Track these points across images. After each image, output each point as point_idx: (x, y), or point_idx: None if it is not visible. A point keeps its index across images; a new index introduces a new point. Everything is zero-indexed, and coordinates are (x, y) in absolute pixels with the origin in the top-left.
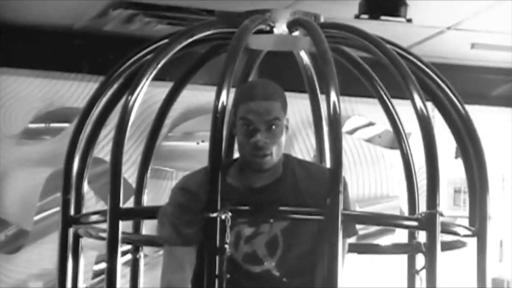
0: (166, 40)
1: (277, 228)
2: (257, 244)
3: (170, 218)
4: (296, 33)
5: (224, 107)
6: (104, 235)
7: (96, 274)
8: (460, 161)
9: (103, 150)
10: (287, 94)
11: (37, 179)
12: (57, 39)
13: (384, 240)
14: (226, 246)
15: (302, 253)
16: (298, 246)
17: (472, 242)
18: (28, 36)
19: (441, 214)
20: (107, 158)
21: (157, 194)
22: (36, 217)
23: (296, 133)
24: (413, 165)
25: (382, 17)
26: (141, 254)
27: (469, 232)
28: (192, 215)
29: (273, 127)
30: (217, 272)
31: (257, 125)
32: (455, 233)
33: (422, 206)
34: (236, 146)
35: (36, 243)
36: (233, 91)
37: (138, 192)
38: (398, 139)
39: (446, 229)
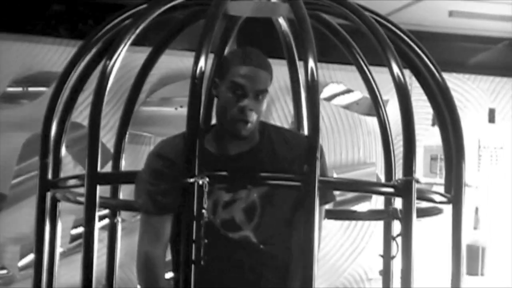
0: (145, 5)
1: (255, 194)
2: (235, 210)
3: (146, 186)
4: (274, 0)
5: (202, 73)
6: (82, 199)
7: (74, 238)
8: (436, 129)
9: (81, 114)
10: None
11: (14, 143)
12: (36, 3)
13: (361, 207)
14: (204, 211)
15: (280, 220)
16: (276, 213)
17: (448, 209)
18: (5, 1)
19: (417, 181)
20: (85, 122)
21: (135, 159)
22: (14, 181)
23: (275, 99)
24: (390, 132)
25: None
26: (119, 218)
27: (444, 199)
28: (168, 182)
29: (260, 97)
30: (194, 238)
31: (247, 90)
32: (431, 200)
33: (398, 173)
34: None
35: (14, 207)
36: (211, 57)
37: (116, 157)
38: (375, 106)
39: (422, 196)
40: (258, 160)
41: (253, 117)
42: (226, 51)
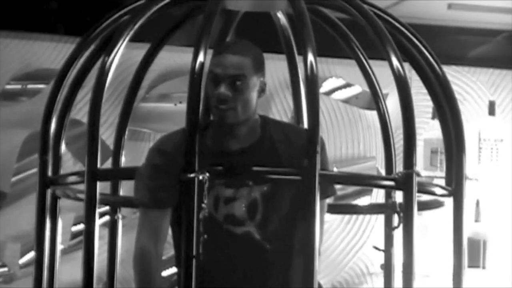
0: (143, 1)
1: (257, 192)
2: (237, 207)
3: (145, 180)
4: None
5: (201, 68)
6: (82, 196)
7: (74, 235)
8: (436, 122)
9: (80, 111)
10: (265, 55)
11: (14, 141)
12: (33, 0)
13: (362, 201)
14: (204, 206)
15: (282, 217)
16: (278, 210)
17: (449, 202)
18: None
19: (418, 174)
20: (85, 119)
21: (135, 156)
22: (14, 179)
23: (274, 94)
24: (390, 126)
25: None
26: (119, 215)
27: (445, 192)
28: (167, 177)
29: (238, 82)
30: (194, 233)
31: (221, 77)
32: (432, 193)
33: (399, 167)
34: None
35: (14, 205)
36: (210, 52)
37: (116, 153)
38: (375, 100)
39: (423, 189)
40: (258, 155)
41: (233, 103)
42: None
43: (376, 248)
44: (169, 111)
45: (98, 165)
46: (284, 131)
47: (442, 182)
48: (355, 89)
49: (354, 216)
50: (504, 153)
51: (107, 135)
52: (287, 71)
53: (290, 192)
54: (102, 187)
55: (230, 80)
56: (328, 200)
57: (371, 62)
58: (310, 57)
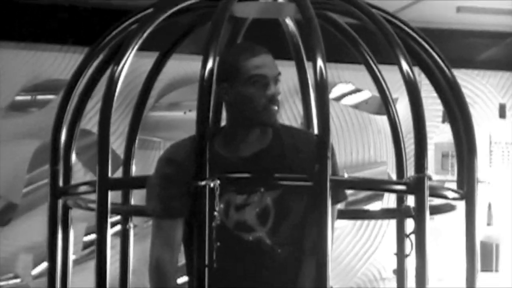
0: (151, 10)
1: (268, 198)
2: (248, 214)
3: (156, 190)
4: (281, 0)
5: (210, 76)
6: (93, 206)
7: (86, 245)
8: (447, 126)
9: (90, 121)
10: None
11: (25, 152)
12: (41, 12)
13: (373, 206)
14: (216, 214)
15: (294, 223)
16: (289, 216)
17: (461, 205)
18: (12, 9)
19: (429, 178)
20: (95, 129)
21: (145, 165)
22: (25, 190)
23: (283, 100)
24: (401, 131)
25: None
26: (131, 224)
27: (457, 195)
28: (178, 186)
29: (278, 81)
30: (206, 241)
31: (270, 78)
32: (444, 196)
33: (410, 172)
34: (225, 115)
35: (25, 216)
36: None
37: (126, 162)
38: (385, 105)
39: (435, 193)
40: (269, 161)
41: (279, 101)
42: None
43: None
44: (179, 119)
45: (109, 175)
46: (294, 136)
47: (453, 185)
48: (365, 94)
49: (366, 222)
50: None
51: (117, 144)
52: (296, 77)
53: (301, 198)
54: (113, 196)
55: (274, 79)
56: (340, 206)
57: (380, 66)
58: (320, 62)
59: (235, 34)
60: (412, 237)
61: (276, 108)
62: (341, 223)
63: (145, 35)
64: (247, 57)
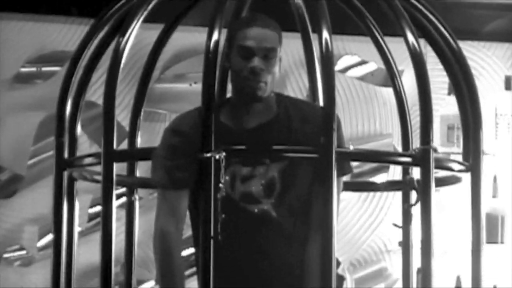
0: None
1: (274, 169)
2: (254, 185)
3: (162, 161)
4: None
5: (216, 47)
6: (99, 177)
7: (91, 217)
8: (453, 98)
9: (95, 93)
10: None
11: (30, 124)
12: None
13: (378, 178)
14: (221, 185)
15: (299, 195)
16: (295, 187)
17: (466, 178)
18: None
19: (435, 150)
20: (100, 101)
21: (151, 137)
22: (30, 162)
23: (289, 73)
24: (406, 103)
25: None
26: (136, 196)
27: (463, 167)
28: (184, 157)
29: (270, 56)
30: (212, 212)
31: (255, 50)
32: (449, 168)
33: (415, 144)
34: (229, 86)
35: (31, 188)
36: (224, 31)
37: (132, 134)
38: (390, 77)
39: (440, 165)
40: (275, 132)
41: (266, 77)
42: None
43: (395, 225)
44: (184, 91)
45: (114, 147)
46: (300, 108)
47: (459, 158)
48: (371, 66)
49: (371, 194)
50: None
51: (122, 116)
52: (302, 49)
53: (307, 170)
54: (118, 168)
55: (263, 53)
56: (345, 178)
57: (386, 38)
58: (325, 34)
59: (241, 6)
60: (414, 208)
61: (260, 82)
62: (346, 195)
63: (150, 6)
64: (241, 27)
